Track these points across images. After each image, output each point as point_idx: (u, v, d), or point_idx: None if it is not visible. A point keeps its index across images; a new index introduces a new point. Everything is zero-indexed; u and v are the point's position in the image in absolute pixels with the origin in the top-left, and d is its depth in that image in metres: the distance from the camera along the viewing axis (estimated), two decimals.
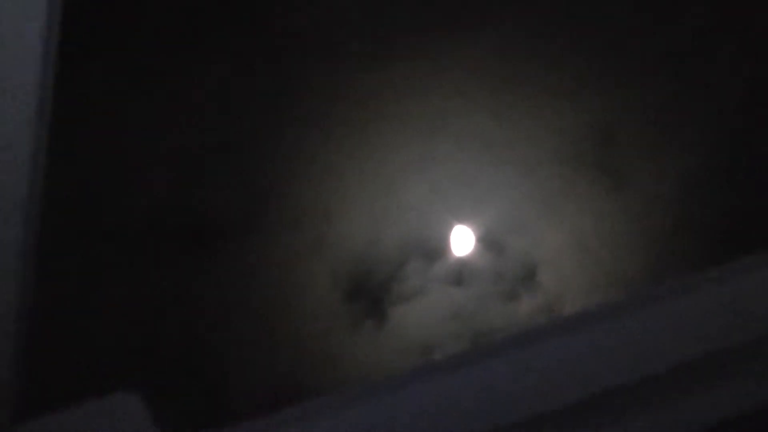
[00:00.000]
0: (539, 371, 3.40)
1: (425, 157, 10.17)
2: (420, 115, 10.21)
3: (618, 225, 10.01)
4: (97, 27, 8.39)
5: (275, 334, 9.42)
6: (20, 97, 2.10)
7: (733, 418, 3.32)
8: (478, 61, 10.64)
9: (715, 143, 10.42)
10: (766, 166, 10.25)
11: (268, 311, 9.47)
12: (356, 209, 9.96)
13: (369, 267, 9.71)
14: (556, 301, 9.63)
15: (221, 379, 8.48)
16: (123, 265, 8.77)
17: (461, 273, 9.74)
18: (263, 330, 9.33)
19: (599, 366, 3.39)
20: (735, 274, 3.50)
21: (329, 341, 9.39)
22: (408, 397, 3.13)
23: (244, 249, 9.66)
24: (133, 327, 8.44)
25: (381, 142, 10.30)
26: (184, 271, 9.05)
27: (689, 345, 3.43)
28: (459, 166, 10.28)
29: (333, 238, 9.75)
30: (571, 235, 9.95)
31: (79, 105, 8.10)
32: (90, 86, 8.37)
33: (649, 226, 10.02)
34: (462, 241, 9.98)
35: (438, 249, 9.88)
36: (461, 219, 10.05)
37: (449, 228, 10.02)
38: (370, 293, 9.58)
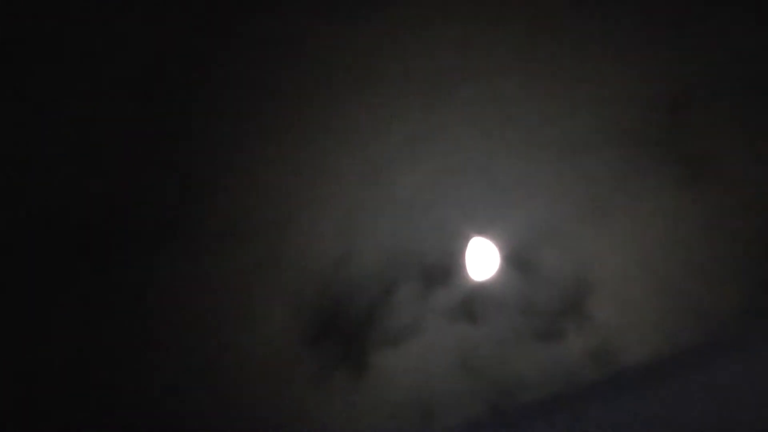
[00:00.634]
0: None
1: (417, 137, 7.63)
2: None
3: (693, 232, 7.50)
4: None
5: (213, 390, 6.99)
6: None
7: None
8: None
9: None
10: None
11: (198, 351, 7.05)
12: (324, 215, 7.33)
13: (341, 293, 7.22)
14: (612, 340, 7.25)
15: None
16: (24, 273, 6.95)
17: (474, 301, 7.26)
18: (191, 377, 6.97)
19: None
20: None
21: (279, 398, 7.02)
22: None
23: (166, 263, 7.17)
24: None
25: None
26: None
27: None
28: (468, 149, 7.72)
29: (291, 254, 7.19)
30: (628, 248, 7.51)
31: None
32: None
33: (735, 230, 7.46)
34: (477, 255, 7.36)
35: (441, 267, 7.36)
36: (476, 226, 7.46)
37: (458, 238, 7.41)
38: (342, 331, 7.18)
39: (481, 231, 7.23)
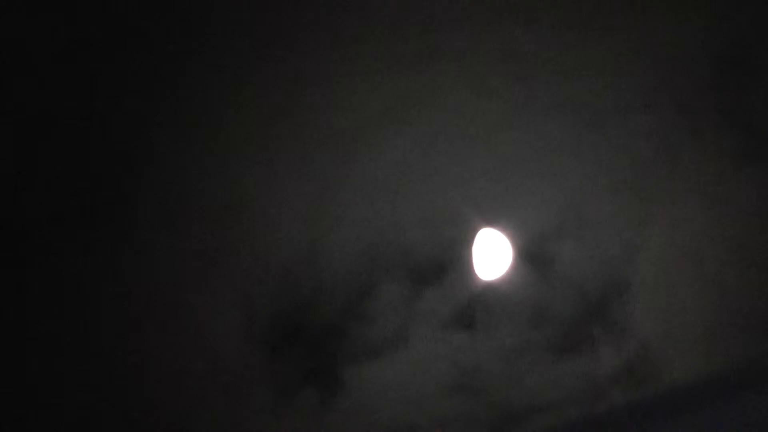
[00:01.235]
0: None
1: (403, 97, 6.64)
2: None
3: (751, 222, 6.66)
4: None
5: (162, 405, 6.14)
6: None
7: None
8: None
9: None
10: None
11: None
12: (285, 197, 6.45)
13: (308, 294, 6.43)
14: (648, 354, 6.64)
15: None
16: None
17: (476, 306, 6.53)
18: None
19: None
20: None
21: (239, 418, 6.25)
22: None
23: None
24: None
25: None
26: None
27: None
28: (468, 113, 6.72)
29: (244, 244, 6.34)
30: (670, 240, 6.82)
31: None
32: None
33: None
34: (479, 248, 6.54)
35: (434, 263, 6.61)
36: (478, 212, 6.64)
37: (455, 226, 6.62)
38: (309, 341, 6.48)
39: (484, 218, 6.47)
